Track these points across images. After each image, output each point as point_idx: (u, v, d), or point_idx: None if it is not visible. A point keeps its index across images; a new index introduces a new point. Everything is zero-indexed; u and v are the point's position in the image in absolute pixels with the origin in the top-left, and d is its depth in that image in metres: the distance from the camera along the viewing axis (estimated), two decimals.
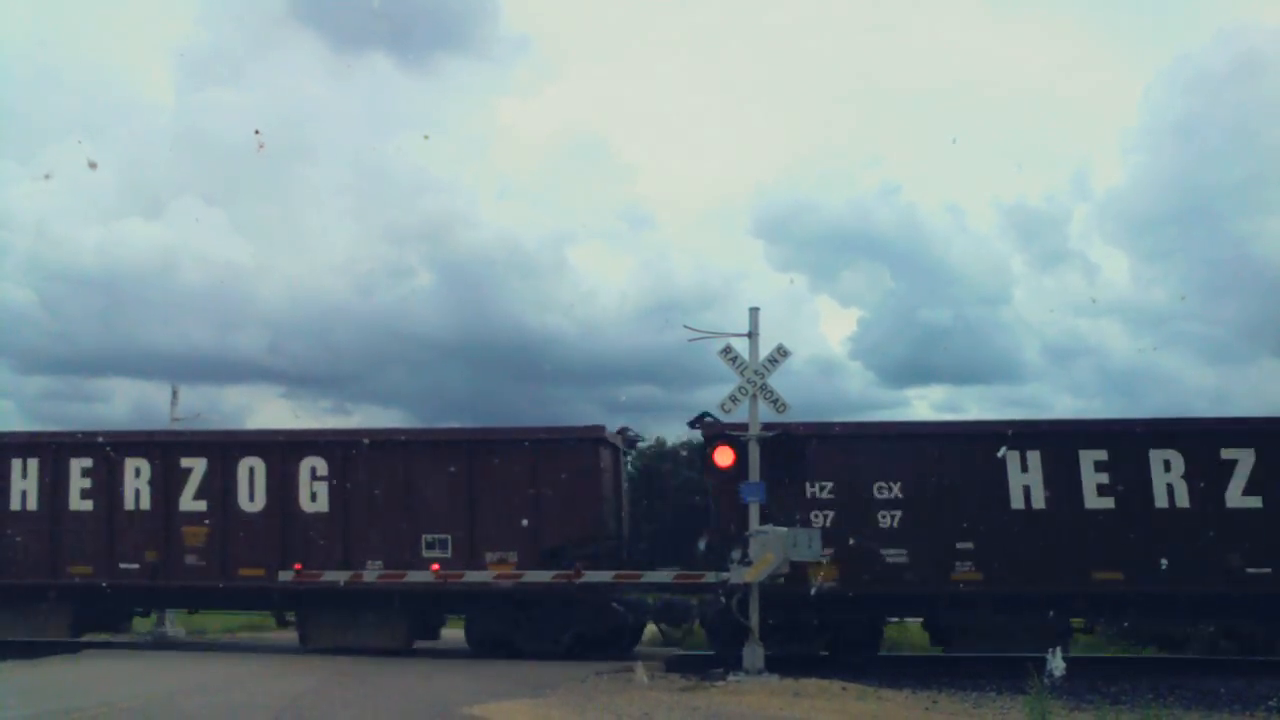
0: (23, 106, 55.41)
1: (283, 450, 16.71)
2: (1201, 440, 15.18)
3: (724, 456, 14.31)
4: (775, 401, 14.45)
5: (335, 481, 16.43)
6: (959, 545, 15.19)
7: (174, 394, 28.65)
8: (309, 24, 64.40)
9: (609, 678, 13.48)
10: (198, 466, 16.71)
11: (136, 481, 16.79)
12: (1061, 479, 15.19)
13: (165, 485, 16.72)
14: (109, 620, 18.51)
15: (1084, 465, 15.16)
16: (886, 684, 13.36)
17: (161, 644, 19.57)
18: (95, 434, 17.37)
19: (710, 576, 15.01)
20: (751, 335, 14.54)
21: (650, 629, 19.85)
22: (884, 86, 67.44)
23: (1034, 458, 15.25)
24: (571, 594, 15.83)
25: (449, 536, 16.07)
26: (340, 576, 15.94)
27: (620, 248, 64.71)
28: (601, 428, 16.45)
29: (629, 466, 18.55)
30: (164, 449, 16.96)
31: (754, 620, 13.91)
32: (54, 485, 16.89)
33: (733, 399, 14.47)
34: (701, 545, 15.63)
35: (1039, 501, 15.20)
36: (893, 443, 16.04)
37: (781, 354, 14.53)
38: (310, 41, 65.16)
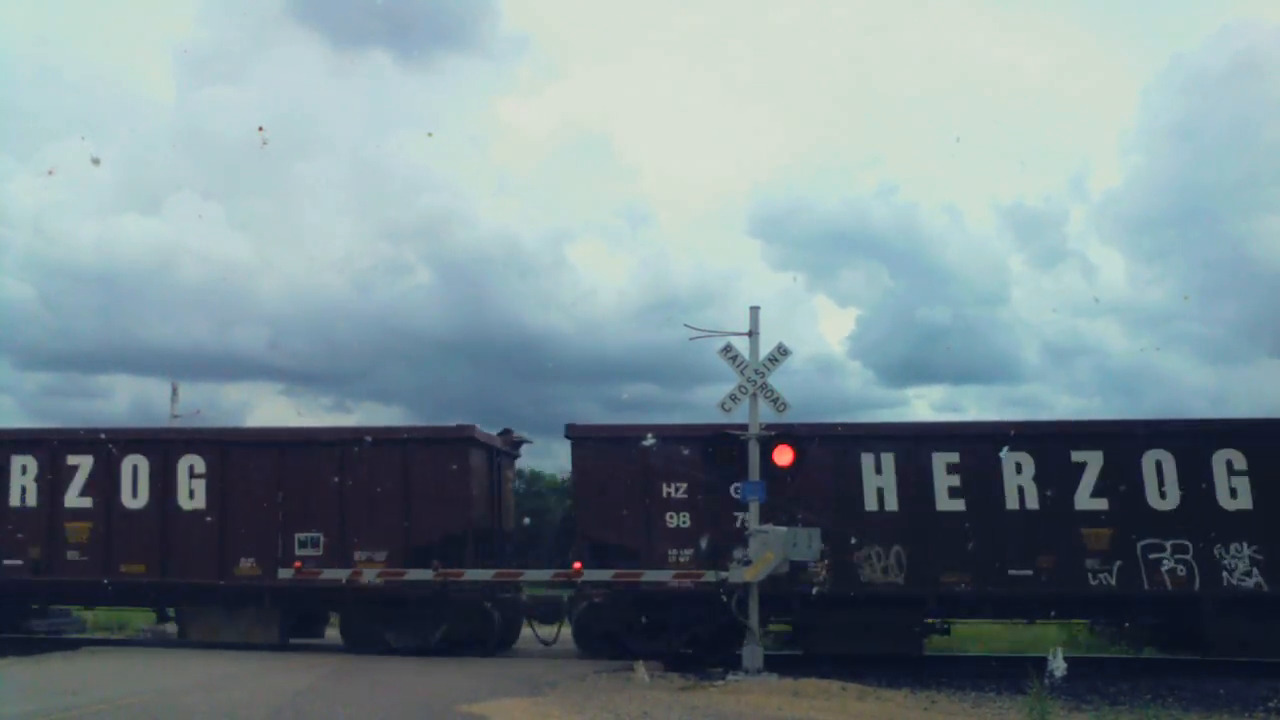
0: (24, 103, 55.53)
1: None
2: None
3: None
4: (775, 400, 14.45)
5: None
6: None
7: (174, 390, 28.76)
8: (309, 22, 64.57)
9: (608, 676, 13.49)
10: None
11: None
12: None
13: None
14: None
15: None
16: (885, 684, 13.37)
17: (161, 641, 19.55)
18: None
19: (709, 575, 15.01)
20: (752, 334, 14.53)
21: None
22: (882, 87, 67.58)
23: None
24: None
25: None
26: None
27: (619, 246, 64.82)
28: None
29: None
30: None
31: (753, 620, 13.91)
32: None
33: (733, 398, 14.47)
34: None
35: None
36: None
37: (782, 353, 14.52)
38: (311, 39, 65.31)
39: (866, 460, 15.52)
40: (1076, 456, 15.19)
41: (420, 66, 69.14)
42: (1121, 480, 15.05)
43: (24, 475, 16.68)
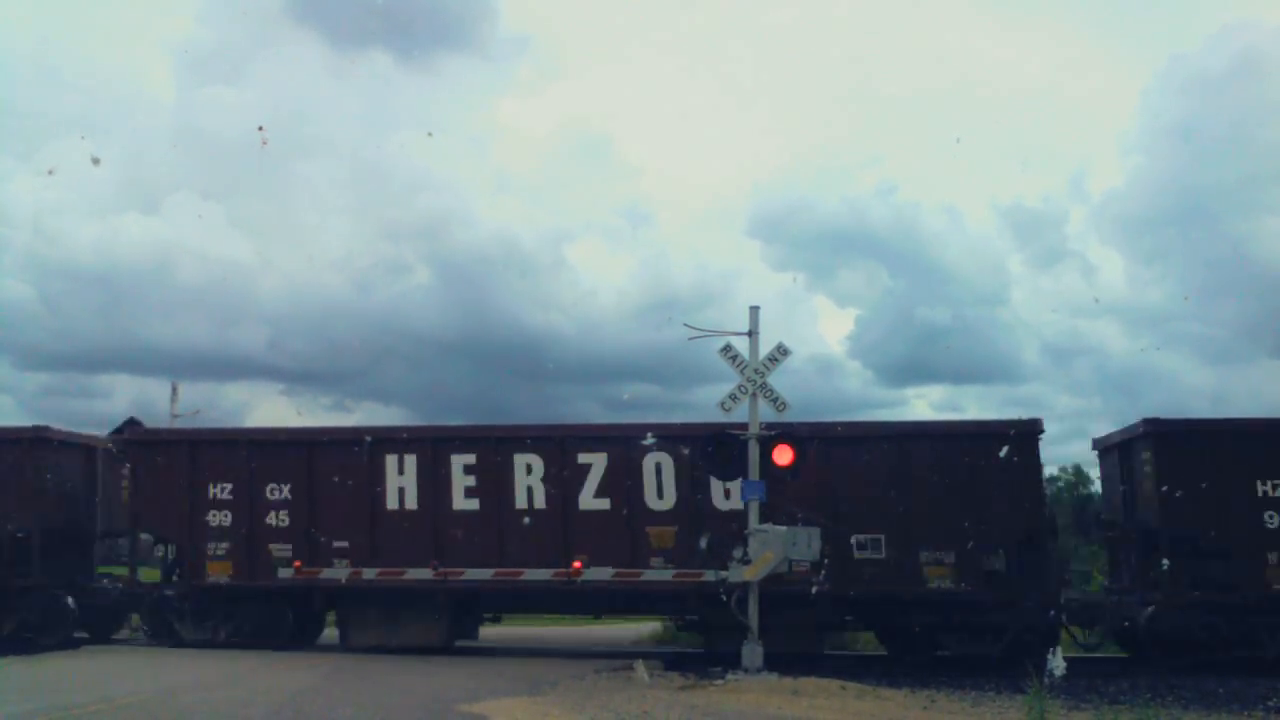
0: (24, 103, 55.55)
1: None
2: None
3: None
4: (775, 400, 14.44)
5: None
6: None
7: (174, 390, 28.75)
8: (309, 22, 64.60)
9: (608, 676, 13.50)
10: None
11: None
12: None
13: None
14: None
15: None
16: (885, 683, 13.37)
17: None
18: None
19: (709, 575, 15.01)
20: (751, 334, 14.52)
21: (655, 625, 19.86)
22: (882, 87, 67.61)
23: None
24: None
25: None
26: None
27: (619, 246, 64.86)
28: None
29: None
30: None
31: (753, 619, 13.91)
32: None
33: (733, 398, 14.46)
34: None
35: None
36: None
37: (781, 353, 14.51)
38: (311, 39, 65.35)
39: None
40: None
41: (420, 67, 69.22)
42: None
43: None
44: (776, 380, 14.47)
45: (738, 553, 14.05)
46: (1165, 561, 15.29)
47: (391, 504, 16.35)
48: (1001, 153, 66.53)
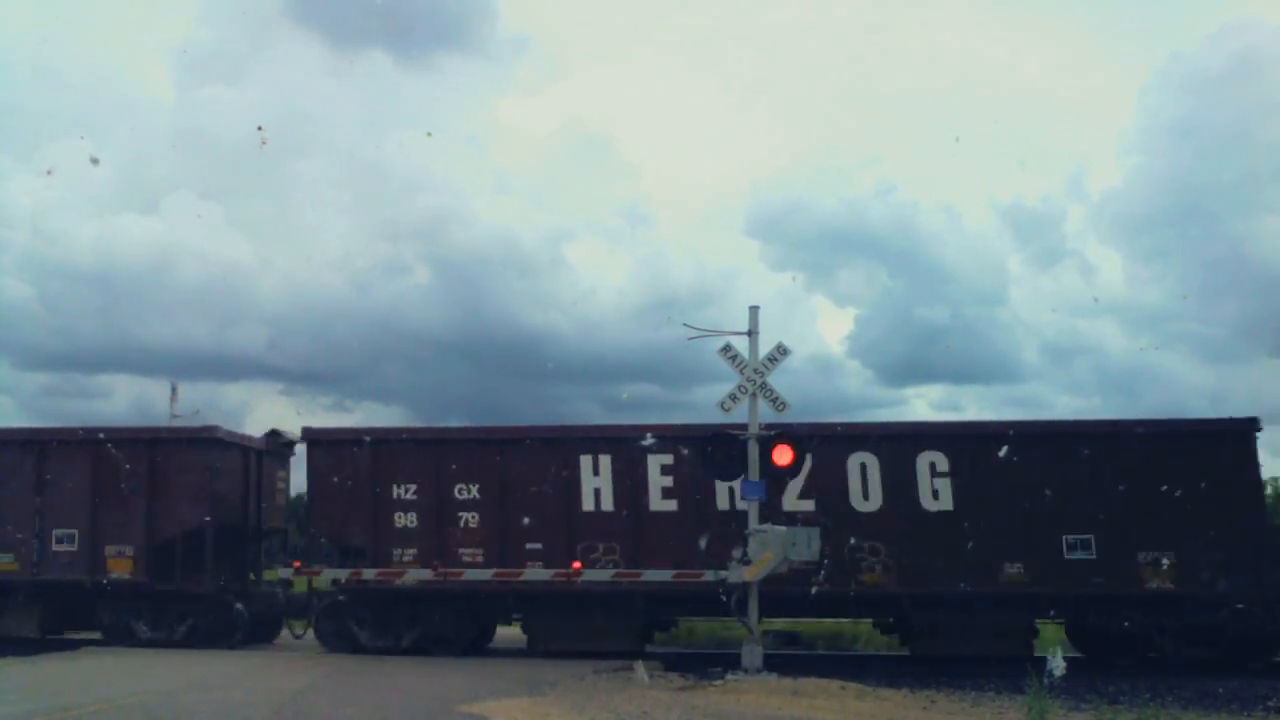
0: (24, 103, 55.53)
1: None
2: None
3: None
4: (775, 400, 14.44)
5: None
6: None
7: (173, 390, 28.67)
8: (308, 22, 64.60)
9: (608, 676, 13.50)
10: None
11: None
12: None
13: None
14: None
15: None
16: (885, 683, 13.38)
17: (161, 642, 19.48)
18: None
19: (709, 575, 14.99)
20: (751, 333, 14.52)
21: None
22: (882, 87, 67.59)
23: None
24: None
25: None
26: None
27: (619, 246, 64.86)
28: None
29: None
30: None
31: (753, 620, 13.91)
32: None
33: (732, 397, 14.46)
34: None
35: None
36: None
37: (781, 352, 14.51)
38: (310, 39, 65.36)
39: None
40: None
41: (419, 67, 69.22)
42: None
43: None
44: (776, 380, 14.50)
45: (737, 553, 14.05)
46: None
47: None
48: (1000, 152, 66.59)
